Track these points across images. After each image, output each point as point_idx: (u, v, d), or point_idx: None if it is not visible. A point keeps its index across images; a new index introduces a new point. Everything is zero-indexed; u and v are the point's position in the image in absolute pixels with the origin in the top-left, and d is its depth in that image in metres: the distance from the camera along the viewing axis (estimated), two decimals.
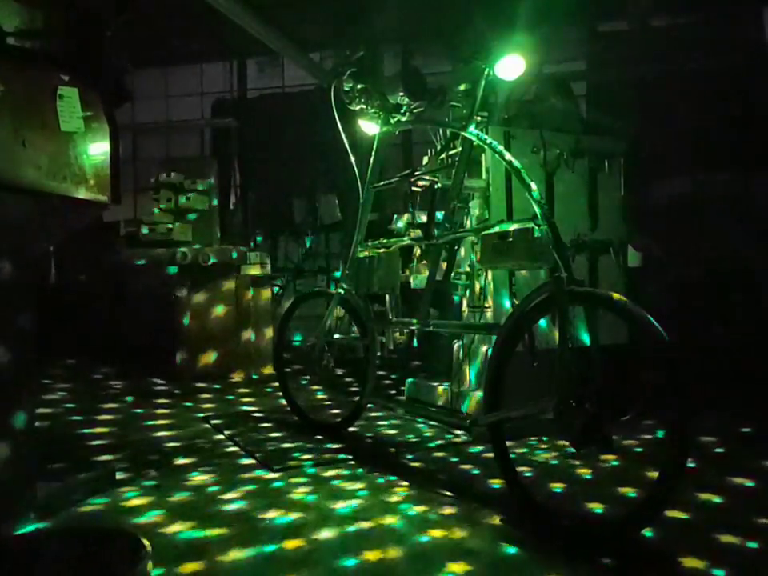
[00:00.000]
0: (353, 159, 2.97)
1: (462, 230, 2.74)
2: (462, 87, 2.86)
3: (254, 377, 4.88)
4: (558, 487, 2.22)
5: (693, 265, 3.37)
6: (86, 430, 3.11)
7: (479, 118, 2.37)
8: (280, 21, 7.79)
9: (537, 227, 1.99)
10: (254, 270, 5.15)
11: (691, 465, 2.38)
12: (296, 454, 2.67)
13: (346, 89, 2.83)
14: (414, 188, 2.90)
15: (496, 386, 2.05)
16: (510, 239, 2.06)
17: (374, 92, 2.82)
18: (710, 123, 6.70)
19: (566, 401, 1.79)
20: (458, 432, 3.00)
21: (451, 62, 2.50)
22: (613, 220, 3.14)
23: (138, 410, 3.62)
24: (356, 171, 2.98)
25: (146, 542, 1.41)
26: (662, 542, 1.76)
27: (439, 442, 2.87)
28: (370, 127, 2.96)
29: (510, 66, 2.22)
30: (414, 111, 2.88)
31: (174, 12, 7.80)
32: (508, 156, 2.16)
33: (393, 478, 2.33)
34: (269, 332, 5.14)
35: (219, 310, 4.92)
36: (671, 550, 1.71)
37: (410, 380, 3.60)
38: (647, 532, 1.78)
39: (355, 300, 2.96)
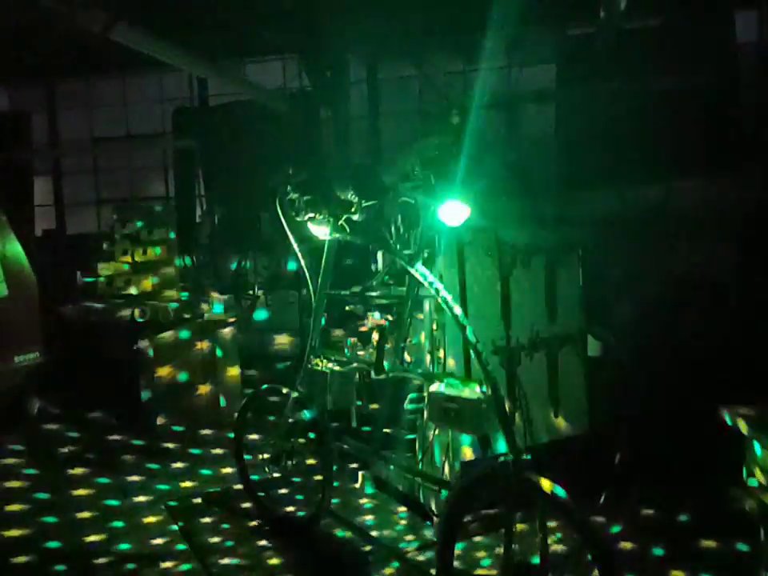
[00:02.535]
0: (304, 266, 2.87)
1: (410, 372, 2.59)
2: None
3: (221, 427, 4.72)
4: None
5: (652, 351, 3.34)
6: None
7: (425, 254, 2.28)
8: (239, 27, 7.53)
9: (484, 397, 1.93)
10: (218, 315, 5.05)
11: None
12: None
13: (291, 199, 2.72)
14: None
15: (447, 551, 2.03)
16: (457, 406, 2.00)
17: (321, 199, 2.71)
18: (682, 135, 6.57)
19: None
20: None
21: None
22: (572, 311, 3.08)
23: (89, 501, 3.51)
24: (307, 277, 2.89)
25: None
26: None
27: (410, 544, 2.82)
28: (320, 232, 2.85)
29: (454, 212, 2.13)
30: (364, 207, 2.78)
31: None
32: (453, 305, 2.10)
33: None
34: (234, 371, 5.02)
35: (182, 361, 4.78)
36: None
37: (378, 463, 3.47)
38: None
39: (311, 406, 2.89)
